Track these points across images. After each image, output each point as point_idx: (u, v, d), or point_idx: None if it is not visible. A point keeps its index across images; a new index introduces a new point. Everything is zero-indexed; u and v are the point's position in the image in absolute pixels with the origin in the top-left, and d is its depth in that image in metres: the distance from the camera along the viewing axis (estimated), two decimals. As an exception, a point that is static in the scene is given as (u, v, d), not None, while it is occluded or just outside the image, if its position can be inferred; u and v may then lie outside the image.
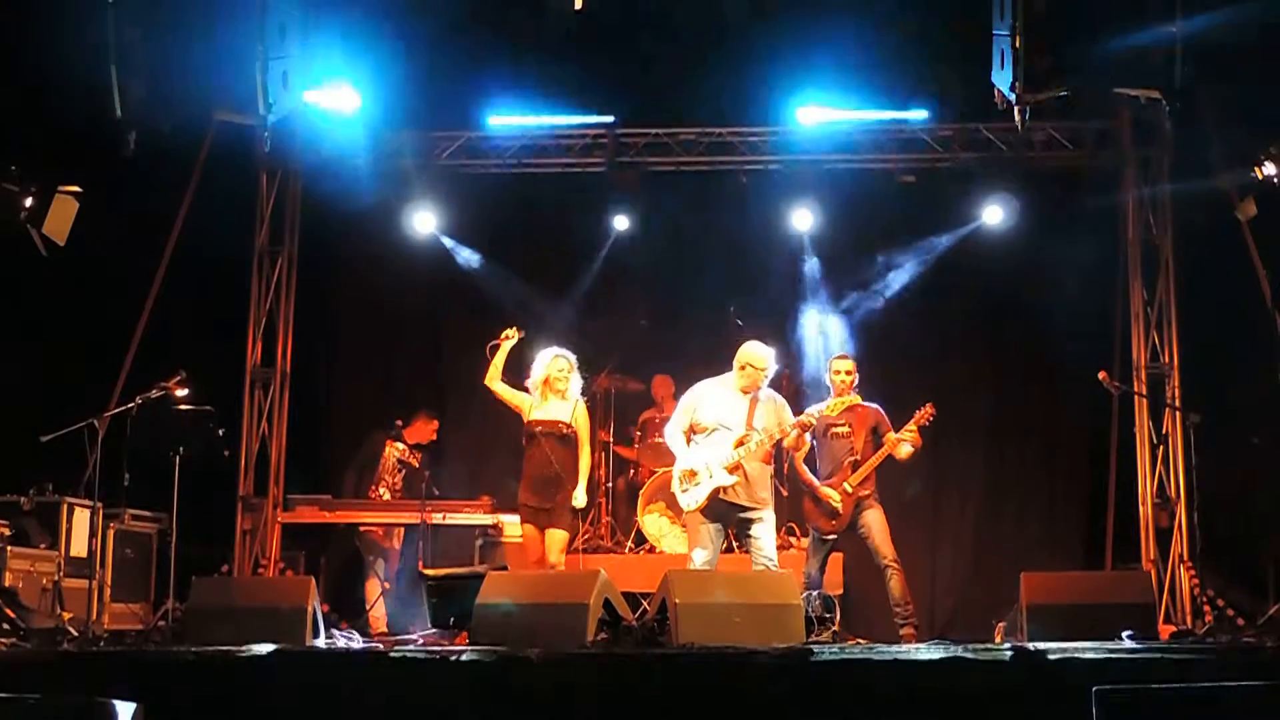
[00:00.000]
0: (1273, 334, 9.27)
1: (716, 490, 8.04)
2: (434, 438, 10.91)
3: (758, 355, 8.19)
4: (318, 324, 11.85)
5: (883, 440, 8.83)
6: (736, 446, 8.03)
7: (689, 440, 8.23)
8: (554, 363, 8.58)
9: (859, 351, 9.16)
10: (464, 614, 7.39)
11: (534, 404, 8.60)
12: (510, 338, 8.71)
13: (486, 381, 8.68)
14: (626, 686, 5.86)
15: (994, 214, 11.14)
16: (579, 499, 8.45)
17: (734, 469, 8.03)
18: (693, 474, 8.10)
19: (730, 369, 8.27)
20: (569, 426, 8.51)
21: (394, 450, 10.63)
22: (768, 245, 11.49)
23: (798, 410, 8.44)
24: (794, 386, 10.27)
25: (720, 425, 8.11)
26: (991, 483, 11.39)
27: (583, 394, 8.77)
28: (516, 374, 8.78)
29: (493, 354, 8.68)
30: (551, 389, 8.56)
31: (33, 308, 10.20)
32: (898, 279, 11.38)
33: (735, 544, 8.65)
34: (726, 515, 8.13)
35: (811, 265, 11.48)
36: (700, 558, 8.06)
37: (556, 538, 8.43)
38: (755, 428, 8.07)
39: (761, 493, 8.15)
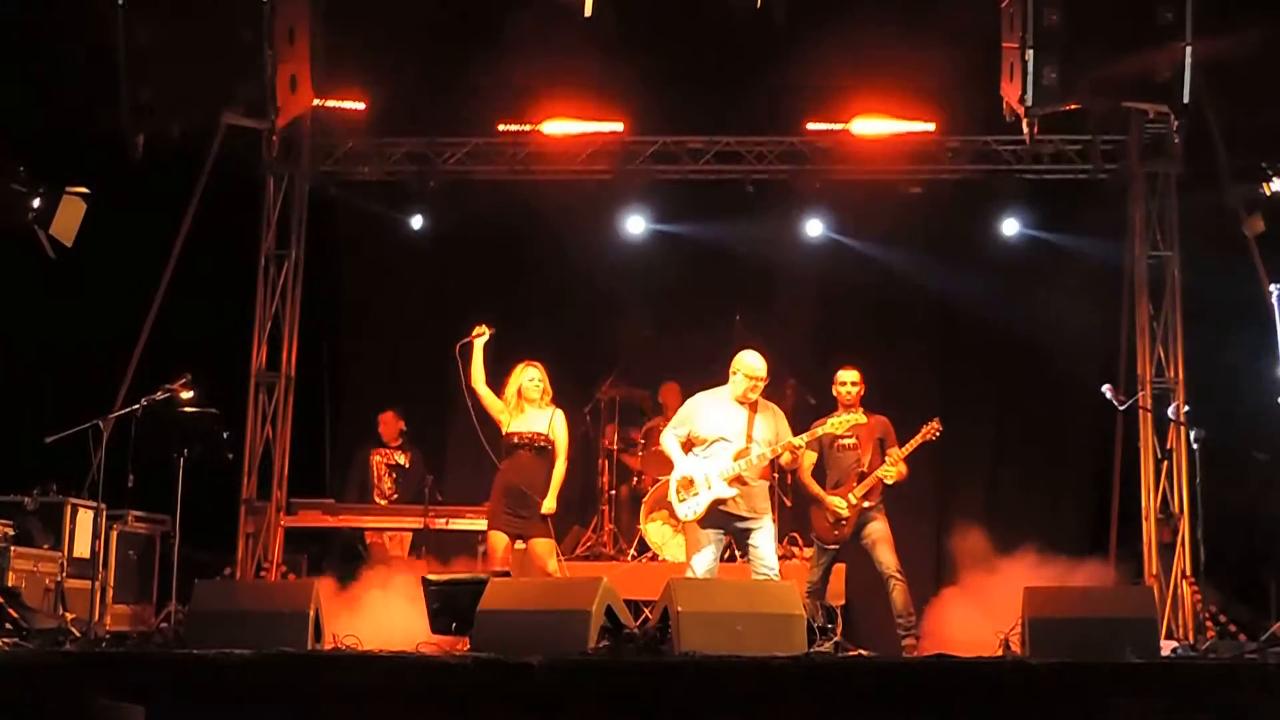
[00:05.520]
0: (1278, 350, 9.24)
1: (715, 501, 8.01)
2: (402, 430, 10.87)
3: (752, 364, 8.14)
4: (323, 328, 11.84)
5: (886, 455, 8.81)
6: (736, 458, 7.99)
7: (687, 452, 8.19)
8: (523, 373, 8.62)
9: (861, 364, 9.12)
10: (466, 620, 7.38)
11: (511, 415, 8.63)
12: (481, 334, 8.66)
13: (473, 384, 8.65)
14: (628, 695, 5.85)
15: (1000, 227, 11.15)
16: (548, 506, 8.50)
17: (734, 481, 7.99)
18: (690, 483, 8.07)
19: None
20: (546, 438, 8.56)
21: (382, 458, 10.62)
22: (773, 255, 11.49)
23: (799, 423, 8.39)
24: (799, 397, 10.25)
25: (719, 437, 8.06)
26: (994, 495, 11.36)
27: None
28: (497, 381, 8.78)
29: (465, 354, 8.63)
30: (525, 399, 8.59)
31: (38, 308, 10.21)
32: (902, 290, 11.38)
33: (738, 553, 8.63)
34: (725, 524, 8.10)
35: (816, 275, 11.47)
36: (701, 564, 8.03)
37: (543, 546, 8.51)
38: (755, 438, 8.02)
39: (760, 502, 8.11)
